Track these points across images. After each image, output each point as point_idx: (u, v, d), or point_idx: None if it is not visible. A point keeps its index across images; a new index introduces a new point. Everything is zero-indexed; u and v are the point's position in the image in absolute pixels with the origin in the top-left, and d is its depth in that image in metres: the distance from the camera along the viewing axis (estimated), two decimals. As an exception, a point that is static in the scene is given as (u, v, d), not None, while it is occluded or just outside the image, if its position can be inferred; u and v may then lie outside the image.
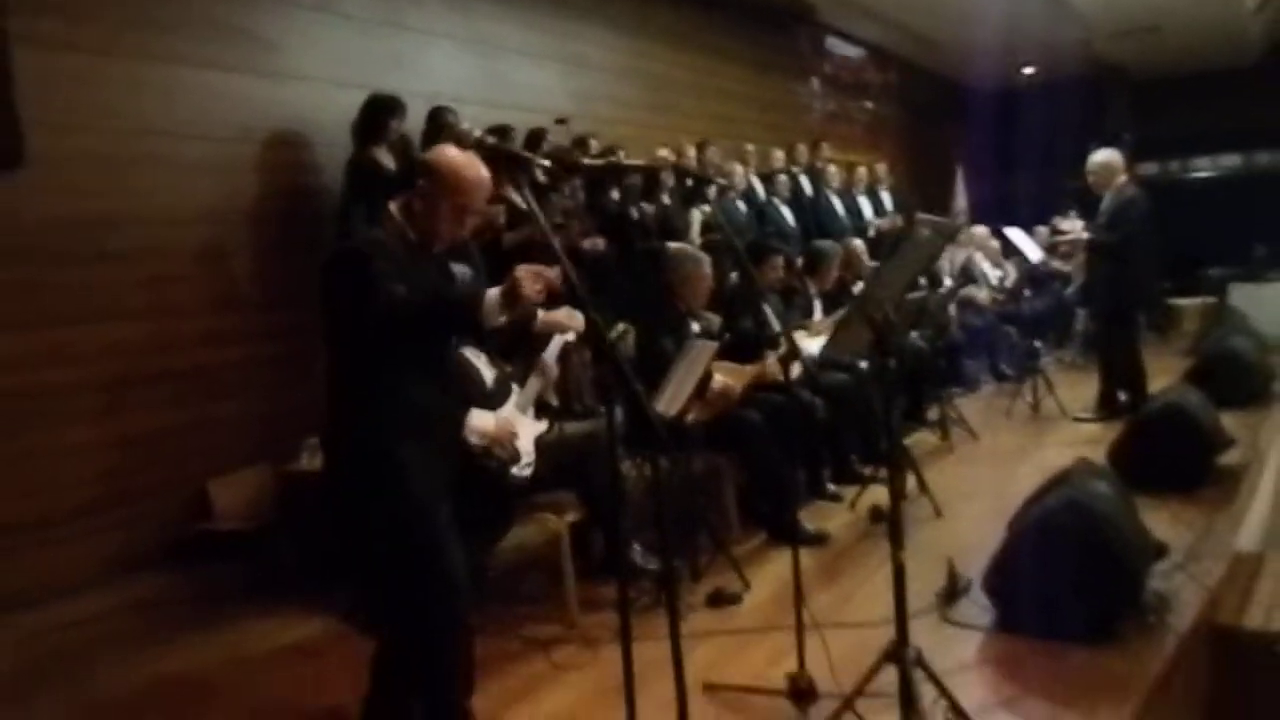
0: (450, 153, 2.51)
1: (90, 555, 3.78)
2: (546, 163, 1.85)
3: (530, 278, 2.17)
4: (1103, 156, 5.95)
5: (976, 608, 3.14)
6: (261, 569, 3.88)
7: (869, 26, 10.24)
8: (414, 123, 4.82)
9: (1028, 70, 12.73)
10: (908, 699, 2.26)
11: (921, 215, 2.36)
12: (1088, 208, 5.94)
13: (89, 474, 3.83)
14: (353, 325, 2.32)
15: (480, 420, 3.26)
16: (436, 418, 2.46)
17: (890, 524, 2.31)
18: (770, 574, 3.69)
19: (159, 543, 4.00)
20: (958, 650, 2.85)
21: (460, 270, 2.96)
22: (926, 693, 2.36)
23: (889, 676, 2.36)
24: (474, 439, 3.23)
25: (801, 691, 2.52)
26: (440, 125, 4.82)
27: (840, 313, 3.63)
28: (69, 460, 3.75)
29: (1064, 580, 2.83)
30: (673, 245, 4.76)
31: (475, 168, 2.43)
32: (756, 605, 3.41)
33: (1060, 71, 12.54)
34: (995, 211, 7.97)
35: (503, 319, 2.24)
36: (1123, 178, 5.89)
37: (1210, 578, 3.34)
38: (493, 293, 2.22)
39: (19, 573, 3.51)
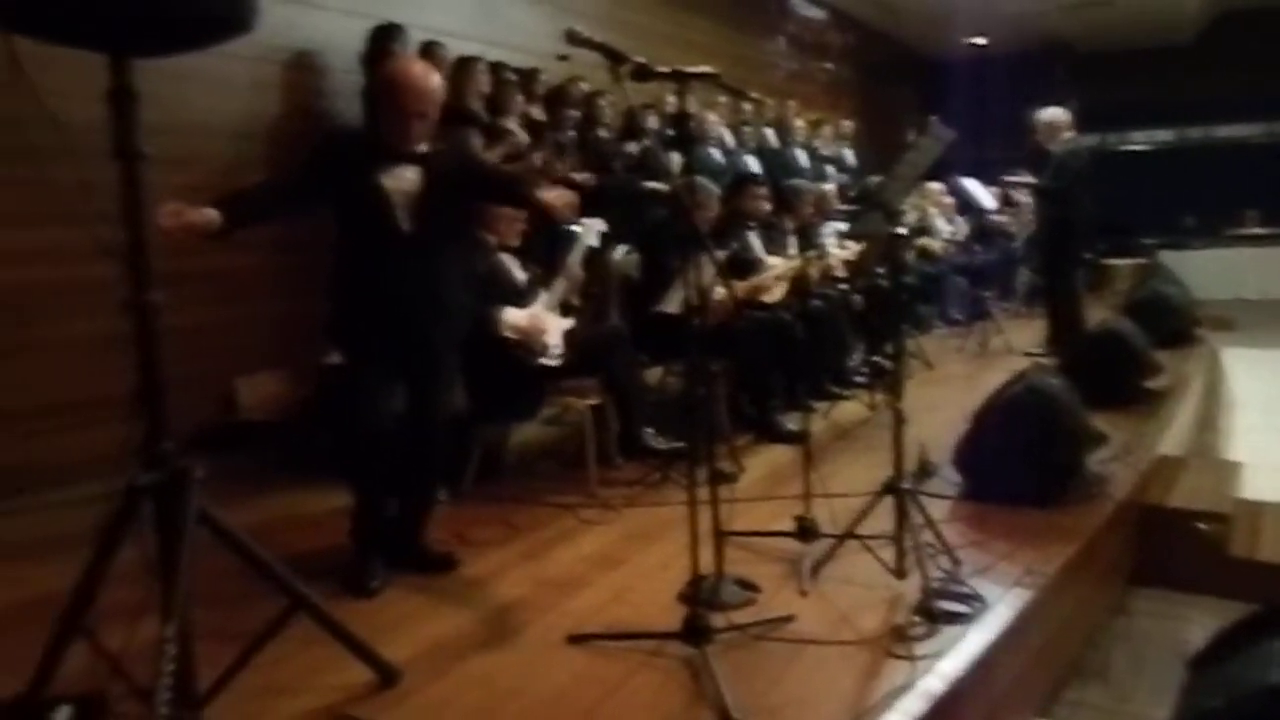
0: (398, 62, 2.92)
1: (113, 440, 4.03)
2: (641, 59, 2.19)
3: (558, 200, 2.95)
4: (1049, 114, 6.47)
5: (946, 483, 3.62)
6: (296, 453, 4.19)
7: (832, -12, 10.68)
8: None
9: (978, 40, 13.28)
10: (902, 524, 2.70)
11: (931, 118, 2.77)
12: (1037, 170, 6.48)
13: (116, 365, 4.07)
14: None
15: (514, 316, 3.64)
16: (390, 293, 2.82)
17: (891, 379, 2.76)
18: (759, 463, 4.13)
19: (187, 431, 4.26)
20: (932, 513, 3.31)
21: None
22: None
23: (881, 524, 2.81)
24: (508, 332, 3.61)
25: (808, 531, 2.96)
26: (430, 57, 5.12)
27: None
28: (93, 351, 3.97)
29: (1022, 452, 3.32)
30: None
31: (415, 75, 2.76)
32: (750, 483, 3.85)
33: (1008, 43, 13.12)
34: (945, 174, 8.50)
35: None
36: (1069, 133, 6.42)
37: (1142, 466, 3.88)
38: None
39: (57, 450, 3.77)
